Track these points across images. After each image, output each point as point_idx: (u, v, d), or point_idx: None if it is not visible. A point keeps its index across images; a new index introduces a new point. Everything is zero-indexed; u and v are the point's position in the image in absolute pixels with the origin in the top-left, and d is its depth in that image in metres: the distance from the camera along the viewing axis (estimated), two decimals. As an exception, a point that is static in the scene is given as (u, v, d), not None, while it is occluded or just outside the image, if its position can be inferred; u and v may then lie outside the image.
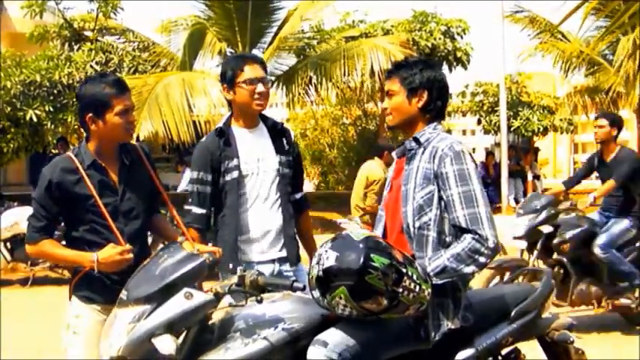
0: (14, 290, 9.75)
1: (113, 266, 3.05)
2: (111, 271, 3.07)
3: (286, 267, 3.74)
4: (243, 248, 3.68)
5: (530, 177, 16.99)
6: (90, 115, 3.17)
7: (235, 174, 3.66)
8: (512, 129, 16.20)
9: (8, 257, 9.93)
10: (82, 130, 11.45)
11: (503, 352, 3.27)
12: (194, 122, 11.36)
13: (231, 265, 3.47)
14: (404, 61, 3.20)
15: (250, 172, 3.69)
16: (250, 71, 3.66)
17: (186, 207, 3.71)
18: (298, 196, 3.95)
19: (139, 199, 3.32)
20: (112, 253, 3.05)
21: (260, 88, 3.64)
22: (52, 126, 11.10)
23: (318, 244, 4.08)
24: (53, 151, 13.42)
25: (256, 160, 3.71)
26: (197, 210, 3.72)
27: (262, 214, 3.70)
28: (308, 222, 4.10)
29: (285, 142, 3.84)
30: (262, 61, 3.80)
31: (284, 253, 3.73)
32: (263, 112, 3.86)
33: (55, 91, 10.99)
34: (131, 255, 3.07)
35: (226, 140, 3.70)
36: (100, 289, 3.15)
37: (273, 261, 3.71)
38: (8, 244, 9.85)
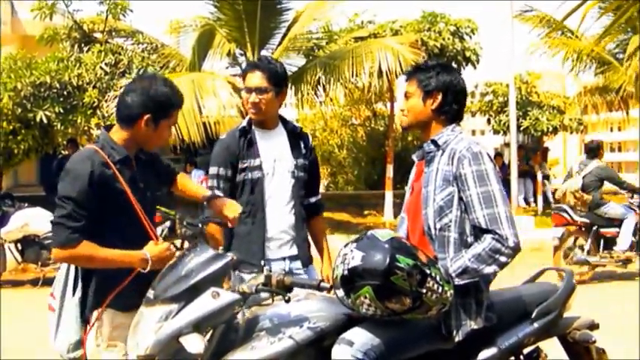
0: (25, 291, 9.78)
1: (161, 263, 2.90)
2: (158, 268, 2.87)
3: (297, 265, 3.79)
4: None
5: (539, 177, 16.94)
6: (148, 116, 3.03)
7: (258, 173, 3.73)
8: (521, 129, 16.16)
9: (19, 258, 9.96)
10: (91, 131, 11.59)
11: (525, 351, 3.28)
12: (204, 123, 11.37)
13: (263, 262, 3.44)
14: (423, 64, 3.24)
15: (266, 172, 3.75)
16: (248, 80, 3.72)
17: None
18: (313, 199, 4.01)
19: (153, 197, 3.28)
20: (160, 249, 2.97)
21: (252, 98, 3.69)
22: (62, 127, 11.10)
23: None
24: (63, 152, 13.45)
25: (273, 160, 3.77)
26: None
27: (275, 214, 3.75)
28: (321, 225, 4.14)
29: (302, 145, 3.90)
30: (267, 68, 3.73)
31: (295, 252, 3.79)
32: (283, 115, 3.93)
33: (65, 93, 11.01)
34: (173, 250, 3.00)
35: (249, 140, 3.76)
36: (140, 293, 2.82)
37: (284, 259, 3.76)
38: (19, 245, 9.88)
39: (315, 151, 4.06)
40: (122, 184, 3.00)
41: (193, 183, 3.61)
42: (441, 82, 3.07)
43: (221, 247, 3.04)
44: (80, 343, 3.10)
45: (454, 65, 14.73)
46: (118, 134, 3.12)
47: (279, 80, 3.74)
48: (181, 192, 3.57)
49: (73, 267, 3.17)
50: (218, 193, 3.48)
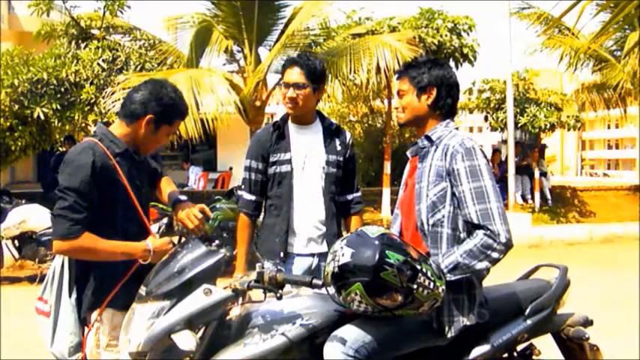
0: (22, 287, 9.78)
1: (162, 256, 2.89)
2: (158, 260, 2.87)
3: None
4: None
5: (537, 174, 16.93)
6: (151, 116, 3.06)
7: (287, 167, 3.82)
8: (519, 126, 16.15)
9: (16, 255, 9.97)
10: (88, 128, 11.57)
11: (519, 348, 3.29)
12: (201, 120, 11.33)
13: (282, 254, 3.72)
14: (413, 61, 3.23)
15: (296, 166, 3.83)
16: (287, 75, 3.81)
17: (239, 193, 3.88)
18: (350, 197, 4.04)
19: (147, 194, 3.30)
20: (162, 242, 2.98)
21: (290, 93, 3.78)
22: (60, 124, 11.07)
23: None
24: (60, 149, 13.43)
25: (303, 156, 3.85)
26: (247, 196, 3.95)
27: (302, 209, 3.83)
28: (357, 223, 4.07)
29: (338, 142, 3.94)
30: (306, 64, 3.81)
31: (324, 248, 3.81)
32: (321, 112, 4.03)
33: (62, 89, 10.94)
34: (172, 245, 3.01)
35: (281, 134, 3.87)
36: (136, 291, 2.83)
37: (312, 255, 3.82)
38: (16, 241, 9.88)
39: (354, 148, 4.05)
40: (121, 177, 3.00)
41: (171, 186, 3.59)
42: (434, 77, 3.08)
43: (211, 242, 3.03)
44: (80, 345, 3.09)
45: (452, 62, 14.78)
46: (119, 129, 3.13)
47: (316, 77, 3.82)
48: (159, 195, 3.57)
49: (67, 268, 3.16)
50: (182, 197, 3.47)
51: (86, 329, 3.10)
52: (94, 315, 3.04)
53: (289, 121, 3.91)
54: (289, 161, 3.82)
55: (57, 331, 3.12)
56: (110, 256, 2.96)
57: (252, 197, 3.93)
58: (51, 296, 3.16)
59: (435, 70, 3.09)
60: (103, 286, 3.02)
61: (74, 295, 3.11)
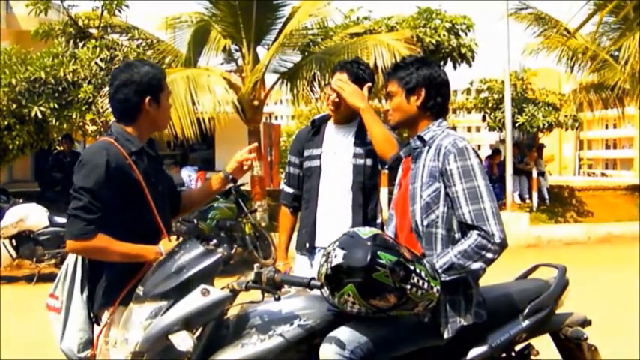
0: (20, 287, 9.77)
1: None
2: None
3: None
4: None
5: (534, 174, 16.92)
6: (149, 98, 3.04)
7: (316, 162, 3.99)
8: (516, 125, 16.15)
9: (14, 254, 9.96)
10: (86, 126, 11.56)
11: (517, 348, 3.28)
12: (198, 119, 11.33)
13: (307, 245, 3.94)
14: (401, 62, 3.20)
15: (324, 163, 3.98)
16: (335, 79, 3.95)
17: (281, 186, 4.17)
18: None
19: (165, 193, 3.26)
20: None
21: (333, 97, 3.93)
22: (57, 123, 11.05)
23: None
24: (58, 148, 13.40)
25: (333, 153, 3.98)
26: (287, 189, 4.24)
27: (327, 204, 3.95)
28: None
29: None
30: (354, 72, 3.93)
31: None
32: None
33: (60, 88, 10.93)
34: None
35: (316, 130, 4.05)
36: None
37: None
38: (14, 240, 9.87)
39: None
40: (137, 176, 2.99)
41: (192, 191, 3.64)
42: (422, 77, 3.05)
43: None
44: (90, 342, 3.08)
45: (449, 62, 14.79)
46: (129, 127, 3.12)
47: (362, 85, 3.91)
48: (191, 203, 3.61)
49: (79, 265, 3.15)
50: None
51: (97, 327, 3.08)
52: (107, 313, 3.03)
53: (330, 121, 4.06)
54: (319, 157, 3.98)
55: (67, 327, 3.12)
56: (122, 257, 2.96)
57: (291, 190, 4.19)
58: (63, 292, 3.14)
59: (423, 70, 3.07)
60: (115, 284, 3.01)
61: (85, 292, 3.10)
